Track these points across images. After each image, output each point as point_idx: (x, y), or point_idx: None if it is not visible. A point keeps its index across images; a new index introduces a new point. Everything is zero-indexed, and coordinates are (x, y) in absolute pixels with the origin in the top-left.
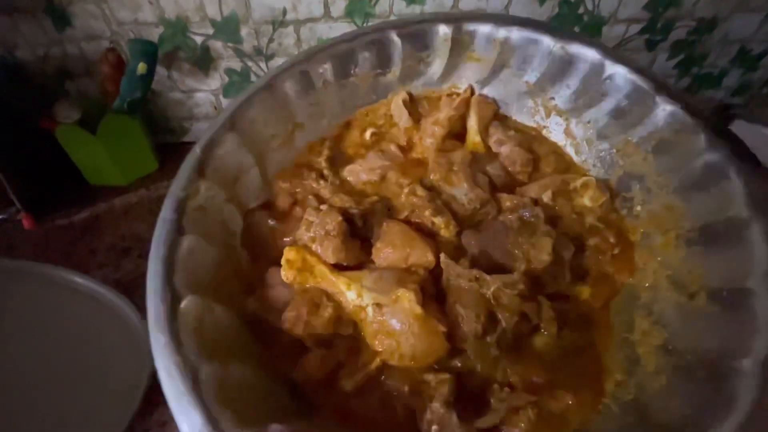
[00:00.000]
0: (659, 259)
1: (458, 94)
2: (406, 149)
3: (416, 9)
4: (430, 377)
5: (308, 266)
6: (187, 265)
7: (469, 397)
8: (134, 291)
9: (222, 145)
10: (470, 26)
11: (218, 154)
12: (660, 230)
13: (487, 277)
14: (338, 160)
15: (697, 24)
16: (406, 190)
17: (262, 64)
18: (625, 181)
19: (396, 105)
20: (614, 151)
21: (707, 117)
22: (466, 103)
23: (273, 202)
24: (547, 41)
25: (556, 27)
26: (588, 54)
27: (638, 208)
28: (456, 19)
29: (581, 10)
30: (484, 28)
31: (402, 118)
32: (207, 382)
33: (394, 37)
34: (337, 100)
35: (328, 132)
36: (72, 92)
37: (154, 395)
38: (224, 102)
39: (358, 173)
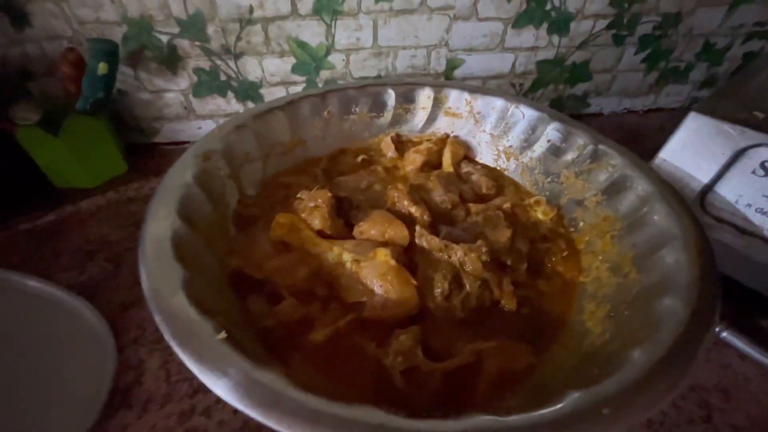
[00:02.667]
0: (600, 257)
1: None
2: (391, 170)
3: (385, 5)
4: (397, 332)
5: (295, 228)
6: (185, 205)
7: (434, 357)
8: (98, 295)
9: (240, 132)
10: (447, 90)
11: (235, 138)
12: (599, 236)
13: (454, 245)
14: (332, 173)
15: (663, 19)
16: (389, 187)
17: (231, 63)
18: (570, 205)
19: (385, 142)
20: (559, 182)
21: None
22: (443, 141)
23: (268, 195)
24: (501, 103)
25: (511, 95)
26: (529, 112)
27: (581, 224)
28: (438, 85)
29: (548, 7)
30: (456, 92)
31: (389, 151)
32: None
33: (390, 91)
34: (338, 129)
35: (324, 153)
36: (35, 92)
37: (115, 399)
38: (194, 102)
39: (348, 182)
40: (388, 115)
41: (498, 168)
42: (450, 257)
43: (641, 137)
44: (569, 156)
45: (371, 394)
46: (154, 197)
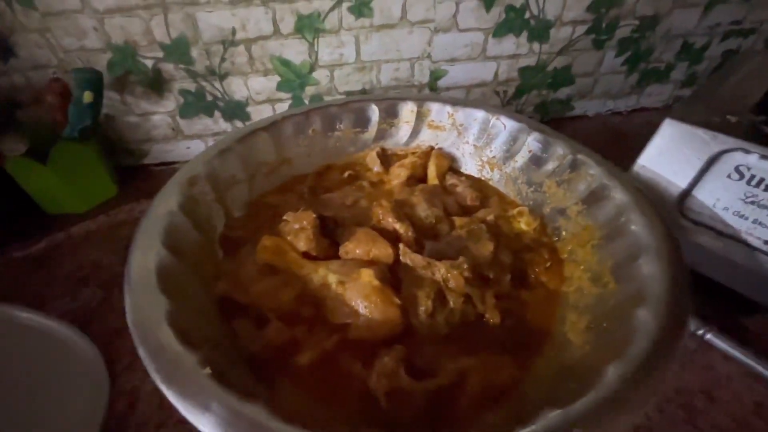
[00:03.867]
0: (582, 267)
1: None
2: (377, 185)
3: (365, 21)
4: (382, 351)
5: (281, 251)
6: (170, 234)
7: (418, 375)
8: (90, 322)
9: (225, 155)
10: (429, 104)
11: (219, 162)
12: (581, 245)
13: (437, 263)
14: (318, 190)
15: (640, 22)
16: (374, 203)
17: (217, 84)
18: (553, 214)
19: (371, 157)
20: (542, 191)
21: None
22: (428, 155)
23: (256, 216)
24: (482, 114)
25: (491, 107)
26: (510, 123)
27: (564, 233)
28: (420, 98)
29: (527, 15)
30: (438, 105)
31: (375, 166)
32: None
33: (373, 106)
34: (323, 146)
35: (311, 169)
36: (24, 121)
37: (110, 427)
38: (181, 123)
39: (334, 199)
40: (372, 130)
41: (483, 178)
42: (433, 274)
43: (626, 138)
44: (550, 165)
45: (358, 416)
46: (138, 227)
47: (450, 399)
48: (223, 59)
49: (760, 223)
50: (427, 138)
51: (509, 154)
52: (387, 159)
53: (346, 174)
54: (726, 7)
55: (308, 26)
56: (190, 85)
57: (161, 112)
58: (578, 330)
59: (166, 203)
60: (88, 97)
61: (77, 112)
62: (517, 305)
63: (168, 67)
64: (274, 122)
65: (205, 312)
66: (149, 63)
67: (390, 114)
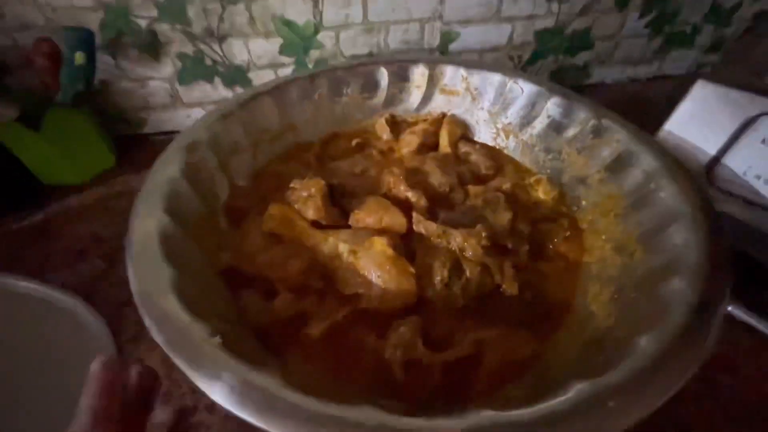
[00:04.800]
0: (603, 237)
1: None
2: (386, 153)
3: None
4: (396, 323)
5: (288, 220)
6: (172, 202)
7: (434, 347)
8: (93, 294)
9: (227, 121)
10: (442, 66)
11: (221, 127)
12: (603, 214)
13: (453, 231)
14: (325, 158)
15: None
16: (384, 171)
17: (216, 47)
18: (572, 183)
19: (380, 124)
20: (561, 159)
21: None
22: (439, 121)
23: (261, 184)
24: (499, 78)
25: (509, 70)
26: (528, 87)
27: (584, 202)
28: (432, 61)
29: None
30: (452, 68)
31: (384, 133)
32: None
33: (382, 69)
34: (329, 112)
35: (317, 137)
36: (13, 86)
37: None
38: (180, 89)
39: (342, 167)
40: (381, 96)
41: (497, 146)
42: (449, 243)
43: (646, 106)
44: (571, 132)
45: (371, 388)
46: (139, 195)
47: (468, 372)
48: (221, 19)
49: None
50: (439, 104)
51: (526, 121)
52: (397, 126)
53: (354, 142)
54: None
55: None
56: (188, 49)
57: (158, 78)
58: (602, 302)
59: (166, 170)
60: (79, 58)
61: (69, 74)
62: (536, 277)
63: (164, 28)
64: (278, 86)
65: (210, 283)
66: (143, 23)
67: (400, 78)
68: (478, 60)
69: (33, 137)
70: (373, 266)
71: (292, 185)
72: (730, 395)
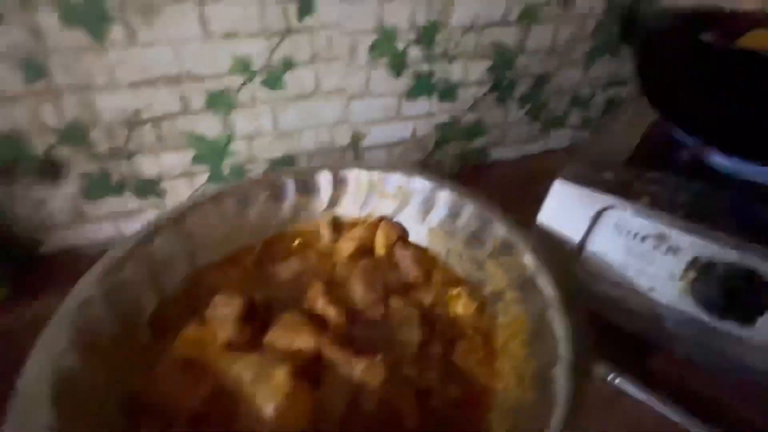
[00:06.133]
0: (513, 364)
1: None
2: (325, 256)
3: (280, 94)
4: None
5: (201, 343)
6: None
7: None
8: None
9: (161, 234)
10: (383, 174)
11: (155, 244)
12: (513, 338)
13: (356, 360)
14: (265, 262)
15: (535, 80)
16: (310, 282)
17: (124, 162)
18: (493, 297)
19: (323, 226)
20: (484, 270)
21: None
22: (376, 226)
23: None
24: (424, 184)
25: (436, 178)
26: (448, 195)
27: (500, 318)
28: (371, 168)
29: (434, 80)
30: (392, 176)
31: (326, 236)
32: None
33: (324, 175)
34: (271, 215)
35: (262, 239)
36: None
37: None
38: (86, 206)
39: (278, 272)
40: (324, 198)
41: (431, 250)
42: (352, 371)
43: (542, 177)
44: (488, 246)
45: None
46: (47, 324)
47: None
48: (128, 139)
49: (643, 273)
50: (377, 207)
51: (452, 228)
52: (338, 229)
53: (296, 242)
54: (602, 61)
55: (220, 102)
56: (92, 168)
57: (59, 198)
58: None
59: (81, 294)
60: None
61: None
62: (443, 404)
63: (64, 152)
64: (214, 197)
65: (105, 420)
66: (41, 149)
67: (339, 183)
68: (388, 162)
69: None
70: (271, 399)
71: (214, 301)
72: None
